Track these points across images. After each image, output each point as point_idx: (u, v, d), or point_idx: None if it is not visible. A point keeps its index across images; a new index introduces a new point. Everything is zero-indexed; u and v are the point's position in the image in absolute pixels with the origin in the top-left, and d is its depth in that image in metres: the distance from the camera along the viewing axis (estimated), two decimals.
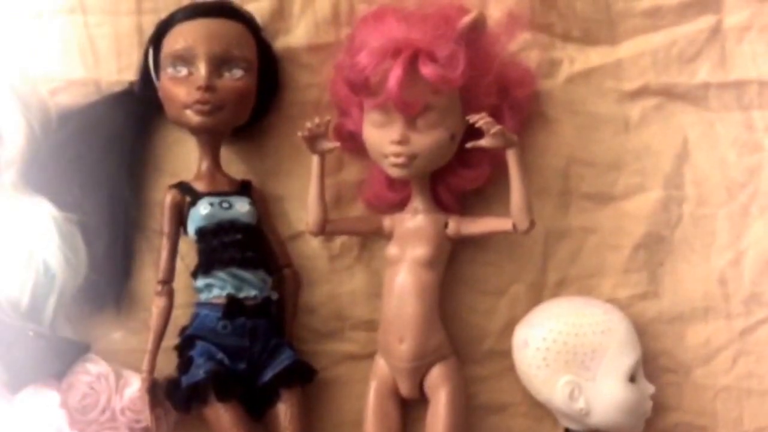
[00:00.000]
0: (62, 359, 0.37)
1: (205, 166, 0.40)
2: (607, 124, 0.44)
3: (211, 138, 0.39)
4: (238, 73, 0.38)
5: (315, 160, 0.38)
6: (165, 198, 0.39)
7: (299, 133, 0.38)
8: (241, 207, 0.39)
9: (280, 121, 0.42)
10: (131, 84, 0.42)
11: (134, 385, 0.38)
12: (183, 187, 0.39)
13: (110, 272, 0.40)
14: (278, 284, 0.41)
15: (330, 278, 0.42)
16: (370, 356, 0.41)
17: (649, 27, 0.44)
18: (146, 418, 0.37)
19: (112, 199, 0.41)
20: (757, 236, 0.44)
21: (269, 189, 0.42)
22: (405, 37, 0.35)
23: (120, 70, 0.43)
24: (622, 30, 0.44)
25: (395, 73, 0.35)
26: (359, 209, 0.43)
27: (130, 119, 0.41)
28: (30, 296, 0.37)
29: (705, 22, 0.44)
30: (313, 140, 0.37)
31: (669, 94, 0.44)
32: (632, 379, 0.40)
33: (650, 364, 0.42)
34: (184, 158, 0.42)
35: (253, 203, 0.40)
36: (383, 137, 0.37)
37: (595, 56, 0.44)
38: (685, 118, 0.44)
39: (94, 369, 0.38)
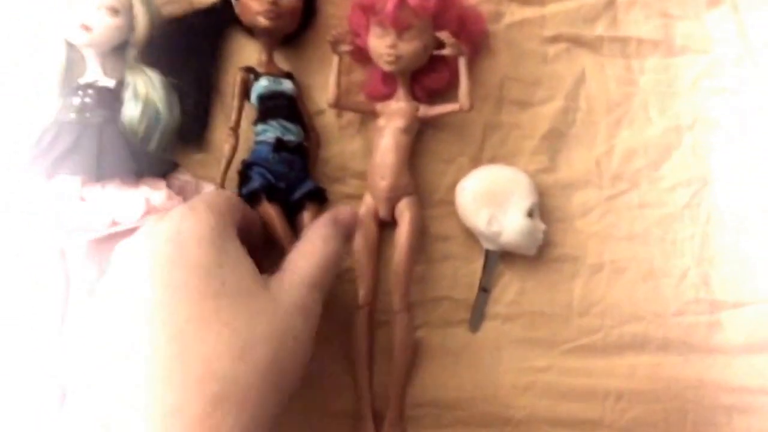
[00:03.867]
0: (164, 167, 0.51)
1: (263, 58, 0.54)
2: (531, 56, 0.54)
3: (269, 39, 0.53)
4: None
5: (335, 58, 0.52)
6: (236, 75, 0.53)
7: (327, 38, 0.52)
8: (287, 85, 0.53)
9: (311, 36, 0.55)
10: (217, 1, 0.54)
11: (208, 189, 0.51)
12: (249, 69, 0.54)
13: (196, 121, 0.54)
14: (307, 141, 0.54)
15: (339, 141, 0.54)
16: (361, 196, 0.54)
17: None
18: None
19: (202, 72, 0.54)
20: (624, 138, 0.55)
21: (303, 79, 0.54)
22: None
23: None
24: None
25: (392, 1, 0.49)
26: (362, 98, 0.55)
27: (220, 23, 0.54)
28: (144, 128, 0.50)
29: None
30: (335, 44, 0.52)
31: (575, 41, 0.55)
32: (530, 215, 0.52)
33: (547, 216, 0.53)
34: (249, 56, 0.55)
35: (295, 84, 0.53)
36: (381, 44, 0.51)
37: (528, 12, 0.55)
38: (585, 59, 0.55)
39: (182, 177, 0.51)
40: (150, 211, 0.49)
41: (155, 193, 0.50)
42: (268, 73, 0.54)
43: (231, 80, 0.55)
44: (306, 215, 0.53)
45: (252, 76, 0.54)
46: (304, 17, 0.55)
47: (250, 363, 0.32)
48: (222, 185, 0.53)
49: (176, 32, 0.55)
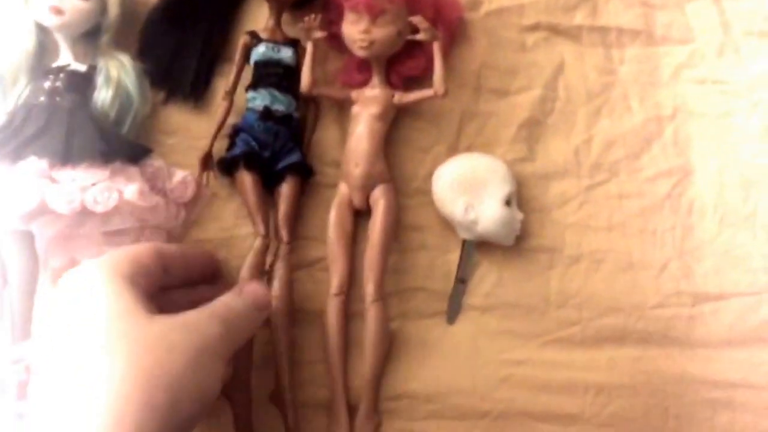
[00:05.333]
0: (136, 152, 0.51)
1: (270, 23, 0.54)
2: (509, 45, 0.55)
3: (277, 6, 0.54)
4: None
5: (309, 45, 0.52)
6: (241, 39, 0.54)
7: (299, 25, 0.52)
8: (286, 53, 0.53)
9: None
10: None
11: (178, 176, 0.52)
12: (252, 34, 0.54)
13: (197, 79, 0.54)
14: (306, 112, 0.55)
15: (316, 128, 0.55)
16: (336, 185, 0.54)
17: None
18: (193, 185, 0.52)
19: (210, 34, 0.55)
20: (603, 128, 0.55)
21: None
22: None
23: None
24: None
25: None
26: (337, 86, 0.55)
27: None
28: (116, 112, 0.51)
29: None
30: (308, 30, 0.52)
31: (554, 30, 0.55)
32: (507, 203, 0.52)
33: (524, 206, 0.53)
34: (258, 21, 0.55)
35: (295, 52, 0.53)
36: (354, 29, 0.51)
37: (506, 0, 0.55)
38: (564, 48, 0.55)
39: (155, 163, 0.51)
40: (120, 206, 0.48)
41: (129, 186, 0.49)
42: (269, 40, 0.54)
43: (238, 44, 0.55)
44: (285, 187, 0.53)
45: (254, 41, 0.55)
46: None
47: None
48: (211, 147, 0.54)
49: None
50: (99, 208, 0.48)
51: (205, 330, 0.38)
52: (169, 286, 0.45)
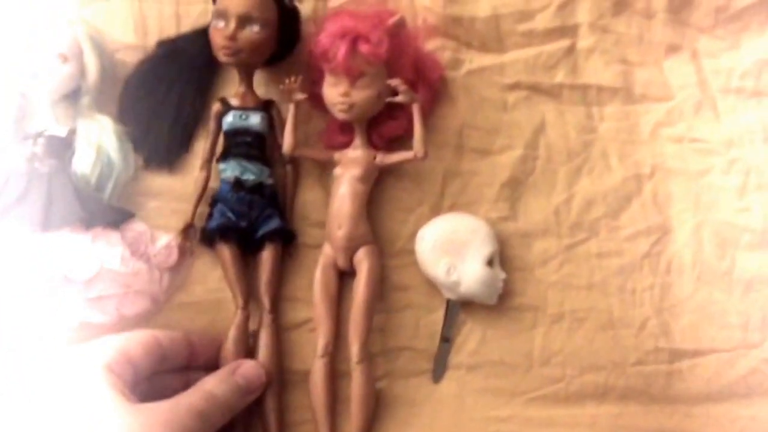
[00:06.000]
0: (117, 217, 0.51)
1: (241, 89, 0.53)
2: (490, 104, 0.55)
3: (244, 70, 0.53)
4: (255, 28, 0.50)
5: (291, 107, 0.52)
6: (213, 107, 0.53)
7: (279, 86, 0.52)
8: (254, 120, 0.53)
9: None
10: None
11: (161, 240, 0.51)
12: (223, 102, 0.53)
13: (170, 144, 0.54)
14: (283, 175, 0.55)
15: (298, 191, 0.56)
16: (320, 246, 0.54)
17: (525, 43, 0.56)
18: (176, 250, 0.51)
19: (184, 99, 0.54)
20: (583, 187, 0.56)
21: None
22: (351, 26, 0.49)
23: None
24: (506, 43, 0.56)
25: (342, 49, 0.49)
26: (320, 148, 0.55)
27: (204, 50, 0.53)
28: (97, 177, 0.50)
29: (564, 43, 0.56)
30: (289, 92, 0.52)
31: (535, 89, 0.56)
32: (490, 264, 0.53)
33: (507, 265, 0.53)
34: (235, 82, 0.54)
35: (265, 118, 0.53)
36: (334, 92, 0.51)
37: (487, 59, 0.56)
38: (545, 106, 0.55)
39: (137, 227, 0.51)
40: (102, 273, 0.48)
41: (111, 251, 0.50)
42: (239, 107, 0.54)
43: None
44: (265, 254, 0.53)
45: (223, 109, 0.54)
46: (285, 42, 0.54)
47: None
48: (192, 219, 0.54)
49: (165, 55, 0.56)
50: (80, 277, 0.48)
51: (179, 422, 0.39)
52: (168, 370, 0.46)
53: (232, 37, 0.51)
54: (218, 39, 0.52)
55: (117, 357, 0.42)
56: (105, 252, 0.49)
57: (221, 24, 0.52)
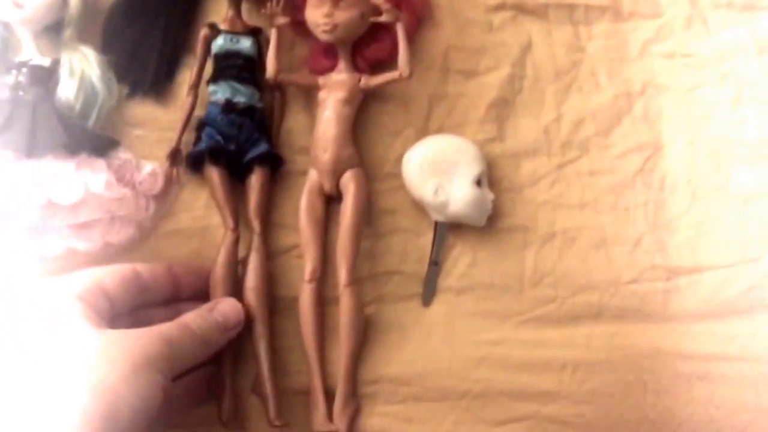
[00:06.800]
0: (102, 145, 0.51)
1: (229, 14, 0.53)
2: (476, 25, 0.54)
3: None
4: None
5: (273, 32, 0.52)
6: (201, 32, 0.53)
7: (261, 11, 0.52)
8: (245, 43, 0.53)
9: None
10: None
11: (147, 168, 0.51)
12: (212, 26, 0.54)
13: (157, 73, 0.54)
14: (271, 101, 0.54)
15: (284, 116, 0.55)
16: (306, 172, 0.54)
17: None
18: (164, 175, 0.52)
19: (171, 24, 0.54)
20: (573, 105, 0.55)
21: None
22: None
23: None
24: None
25: None
26: (305, 73, 0.55)
27: None
28: (81, 104, 0.50)
29: None
30: (271, 17, 0.52)
31: (521, 9, 0.55)
32: (478, 183, 0.52)
33: (495, 186, 0.53)
34: (222, 10, 0.54)
35: (255, 42, 0.53)
36: (317, 13, 0.51)
37: None
38: (531, 26, 0.55)
39: (123, 155, 0.51)
40: (87, 198, 0.48)
41: (96, 177, 0.50)
42: (228, 31, 0.54)
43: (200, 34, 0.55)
44: (254, 178, 0.53)
45: (214, 33, 0.54)
46: None
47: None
48: (178, 144, 0.53)
49: None
50: (65, 201, 0.48)
51: (146, 347, 0.40)
52: (152, 303, 0.47)
53: None
54: None
55: (91, 288, 0.43)
56: (90, 178, 0.48)
57: None
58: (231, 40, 0.53)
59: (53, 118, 0.50)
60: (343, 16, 0.52)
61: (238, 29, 0.54)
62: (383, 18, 0.51)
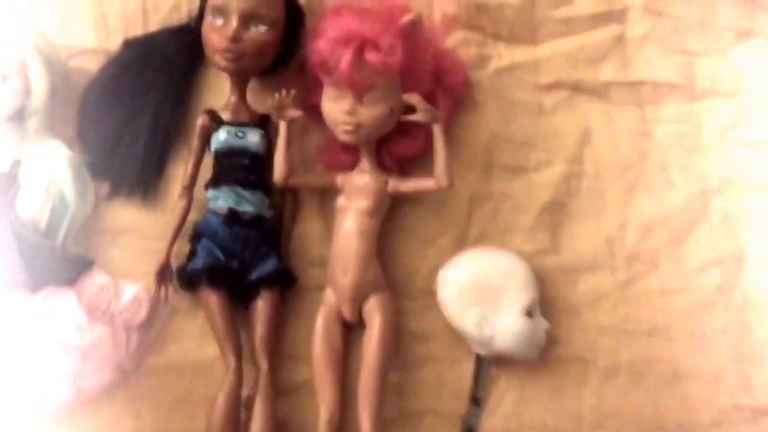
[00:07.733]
0: (72, 270, 0.43)
1: (233, 99, 0.46)
2: (524, 109, 0.50)
3: (238, 77, 0.46)
4: (262, 28, 0.43)
5: (282, 127, 0.44)
6: (198, 120, 0.46)
7: (269, 102, 0.44)
8: (253, 138, 0.46)
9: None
10: (190, 20, 0.47)
11: (128, 293, 0.44)
12: (212, 114, 0.46)
13: (146, 169, 0.47)
14: (281, 205, 0.47)
15: (295, 223, 0.48)
16: (323, 287, 0.47)
17: (564, 32, 0.51)
18: (146, 303, 0.44)
19: (161, 108, 0.47)
20: (640, 208, 0.50)
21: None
22: (356, 29, 0.42)
23: None
24: (541, 34, 0.50)
25: (346, 58, 0.41)
26: (319, 169, 0.48)
27: (184, 51, 0.47)
28: (48, 219, 0.43)
29: (611, 31, 0.51)
30: (280, 109, 0.44)
31: (577, 88, 0.51)
32: (529, 314, 0.46)
33: (548, 307, 0.48)
34: (221, 91, 0.48)
35: (265, 135, 0.46)
36: (337, 108, 0.43)
37: (518, 54, 0.50)
38: (589, 109, 0.50)
39: (98, 280, 0.44)
40: (51, 348, 0.42)
41: (63, 317, 0.43)
42: (232, 122, 0.46)
43: (196, 120, 0.48)
44: (260, 304, 0.45)
45: (213, 124, 0.46)
46: (288, 46, 0.47)
47: None
48: (167, 257, 0.46)
49: (135, 57, 0.48)
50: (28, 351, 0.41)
51: None
52: None
53: (235, 38, 0.44)
54: (216, 40, 0.44)
55: None
56: (57, 319, 0.42)
57: (220, 22, 0.45)
58: (236, 134, 0.46)
59: (11, 247, 0.42)
60: (368, 113, 0.44)
61: (243, 119, 0.46)
62: (417, 118, 0.43)
